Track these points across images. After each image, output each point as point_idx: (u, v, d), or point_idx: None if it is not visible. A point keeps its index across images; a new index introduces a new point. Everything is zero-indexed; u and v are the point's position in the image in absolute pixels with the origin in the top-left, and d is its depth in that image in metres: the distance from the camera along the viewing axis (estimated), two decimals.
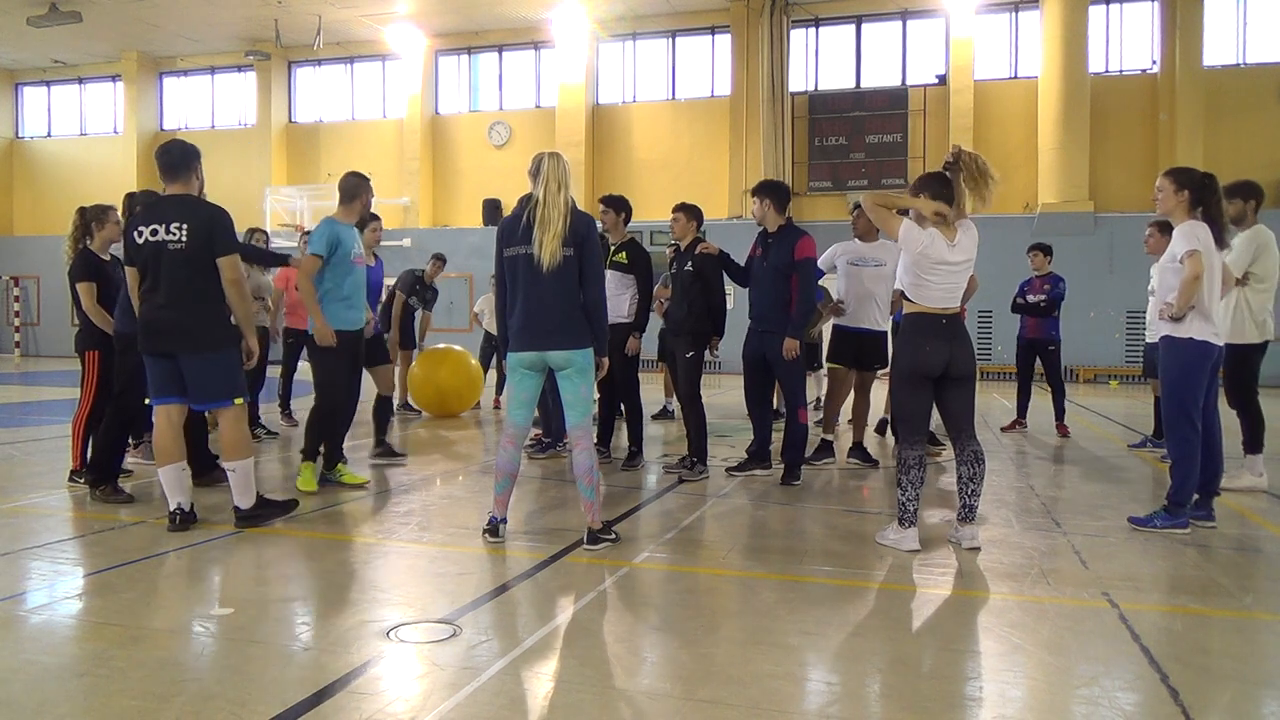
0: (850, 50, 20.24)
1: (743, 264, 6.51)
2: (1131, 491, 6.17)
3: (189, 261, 4.65)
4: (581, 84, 20.92)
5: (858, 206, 7.12)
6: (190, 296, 4.66)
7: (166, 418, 4.80)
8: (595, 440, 7.05)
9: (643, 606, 3.66)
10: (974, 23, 18.99)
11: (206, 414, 7.44)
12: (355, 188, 5.79)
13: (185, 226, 4.63)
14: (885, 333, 7.08)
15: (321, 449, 5.91)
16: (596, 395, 8.03)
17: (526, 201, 4.44)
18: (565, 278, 4.35)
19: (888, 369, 7.31)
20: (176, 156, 4.82)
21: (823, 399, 8.44)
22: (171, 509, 4.72)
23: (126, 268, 4.88)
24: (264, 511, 4.86)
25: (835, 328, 7.14)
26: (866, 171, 19.64)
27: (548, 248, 4.28)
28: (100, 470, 5.50)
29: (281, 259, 6.69)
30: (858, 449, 7.14)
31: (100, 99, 25.52)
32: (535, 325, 4.39)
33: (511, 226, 4.47)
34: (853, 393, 7.39)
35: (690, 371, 6.41)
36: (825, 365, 7.73)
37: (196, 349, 4.67)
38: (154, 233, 4.65)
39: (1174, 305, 4.76)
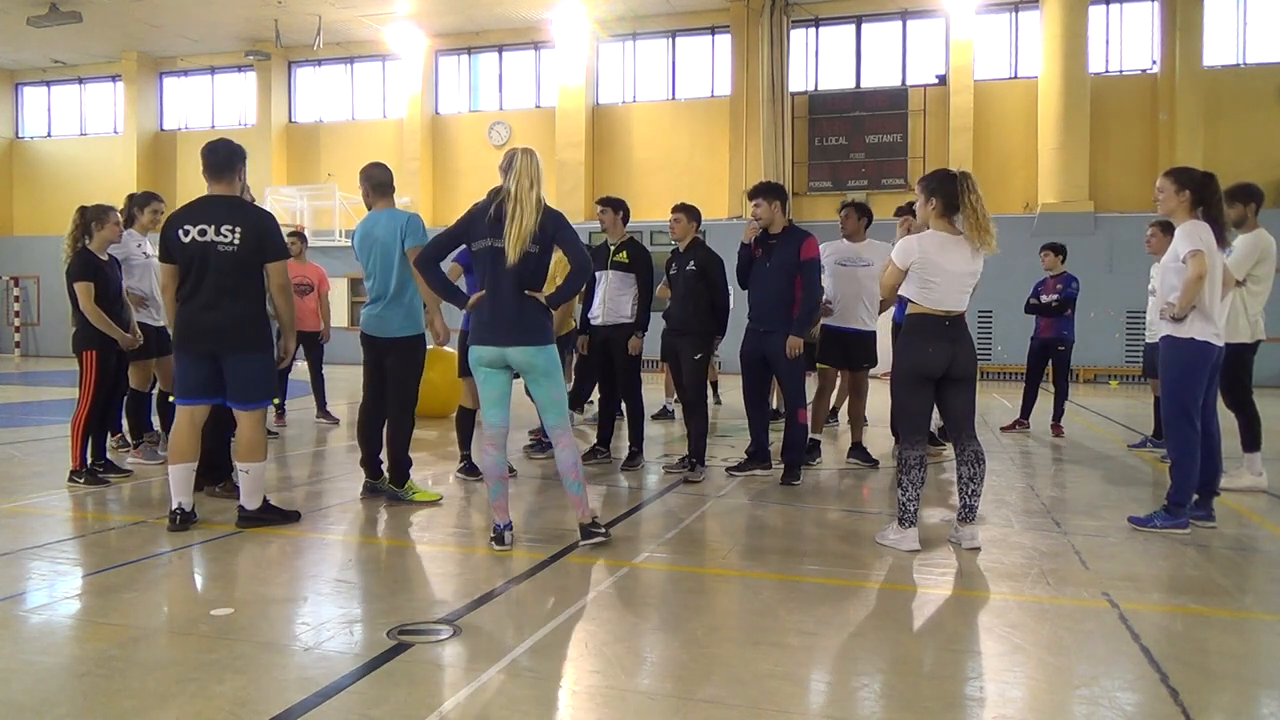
0: (850, 50, 20.24)
1: (735, 264, 6.50)
2: (1131, 491, 6.17)
3: (238, 263, 4.66)
4: (581, 84, 20.92)
5: (844, 206, 7.26)
6: (237, 298, 4.68)
7: (189, 418, 4.80)
8: (596, 440, 7.14)
9: (643, 606, 3.66)
10: (974, 23, 18.99)
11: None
12: (391, 176, 5.57)
13: (238, 229, 4.64)
14: (873, 332, 7.10)
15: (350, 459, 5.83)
16: (594, 397, 8.07)
17: (496, 194, 4.36)
18: (528, 275, 4.30)
19: (876, 368, 7.34)
20: (223, 156, 4.82)
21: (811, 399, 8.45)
22: (172, 508, 4.72)
23: (163, 265, 4.81)
24: (268, 516, 4.86)
25: (823, 327, 7.14)
26: (866, 172, 19.65)
27: (515, 244, 4.21)
28: (217, 469, 5.48)
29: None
30: (857, 449, 7.14)
31: (100, 99, 25.53)
32: (494, 321, 4.32)
33: (478, 219, 4.39)
34: (849, 394, 7.39)
35: (699, 374, 6.41)
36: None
37: (242, 350, 4.69)
38: (202, 232, 4.64)
39: (1176, 305, 4.76)
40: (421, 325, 5.46)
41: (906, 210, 7.52)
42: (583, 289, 6.93)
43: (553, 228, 4.32)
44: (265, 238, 4.73)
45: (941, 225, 4.47)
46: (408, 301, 5.38)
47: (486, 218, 4.34)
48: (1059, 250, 9.21)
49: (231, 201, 4.78)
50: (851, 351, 7.04)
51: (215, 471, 5.47)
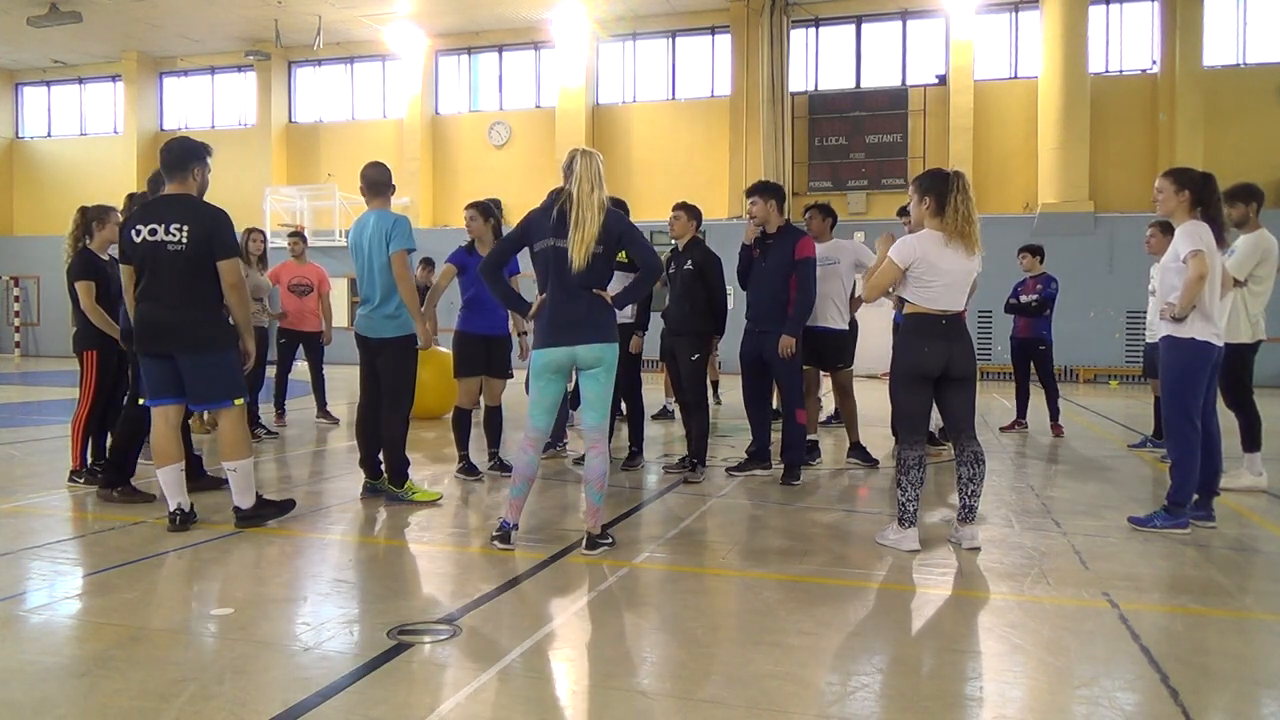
0: (850, 50, 20.25)
1: (735, 269, 6.49)
2: (1131, 491, 6.17)
3: (188, 262, 4.62)
4: (581, 84, 20.93)
5: (809, 209, 7.34)
6: (188, 297, 4.63)
7: (164, 419, 4.79)
8: None
9: (643, 606, 3.66)
10: (974, 23, 19.00)
11: (206, 415, 7.45)
12: (389, 175, 5.56)
13: (186, 228, 4.61)
14: (844, 331, 7.10)
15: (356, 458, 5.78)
16: None
17: (557, 195, 4.38)
18: (594, 276, 4.32)
19: (876, 367, 7.34)
20: (176, 155, 4.79)
21: None
22: (171, 509, 4.72)
23: (122, 266, 4.83)
24: (264, 511, 4.86)
25: None
26: (866, 172, 19.65)
27: (580, 248, 4.23)
28: (117, 470, 5.45)
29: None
30: (856, 449, 7.14)
31: (100, 99, 25.53)
32: (564, 321, 4.32)
33: (540, 221, 4.40)
34: (837, 394, 7.41)
35: (698, 374, 6.40)
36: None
37: (194, 349, 4.64)
38: (152, 232, 4.62)
39: (1176, 305, 4.76)
40: (411, 326, 5.44)
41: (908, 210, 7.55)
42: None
43: (617, 230, 4.35)
44: (214, 236, 4.67)
45: (936, 225, 4.47)
46: (395, 303, 5.37)
47: (550, 219, 4.33)
48: (1037, 252, 9.30)
49: (183, 200, 4.74)
50: (824, 351, 7.02)
51: (116, 472, 5.43)
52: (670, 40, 21.20)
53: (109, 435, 6.60)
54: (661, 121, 21.10)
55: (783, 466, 6.28)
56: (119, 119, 24.94)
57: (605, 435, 4.45)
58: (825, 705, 2.72)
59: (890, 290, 4.69)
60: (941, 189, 4.44)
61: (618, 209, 6.76)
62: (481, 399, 6.61)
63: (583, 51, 20.88)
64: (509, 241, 4.57)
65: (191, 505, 4.82)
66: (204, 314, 4.68)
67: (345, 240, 20.48)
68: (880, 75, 20.06)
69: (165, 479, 4.74)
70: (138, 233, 4.65)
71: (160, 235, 4.61)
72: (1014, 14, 19.31)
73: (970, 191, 4.46)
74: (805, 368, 7.22)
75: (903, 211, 7.33)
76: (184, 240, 4.61)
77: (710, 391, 9.98)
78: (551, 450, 7.27)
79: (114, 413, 6.61)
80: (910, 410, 4.55)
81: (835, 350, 7.08)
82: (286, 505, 4.99)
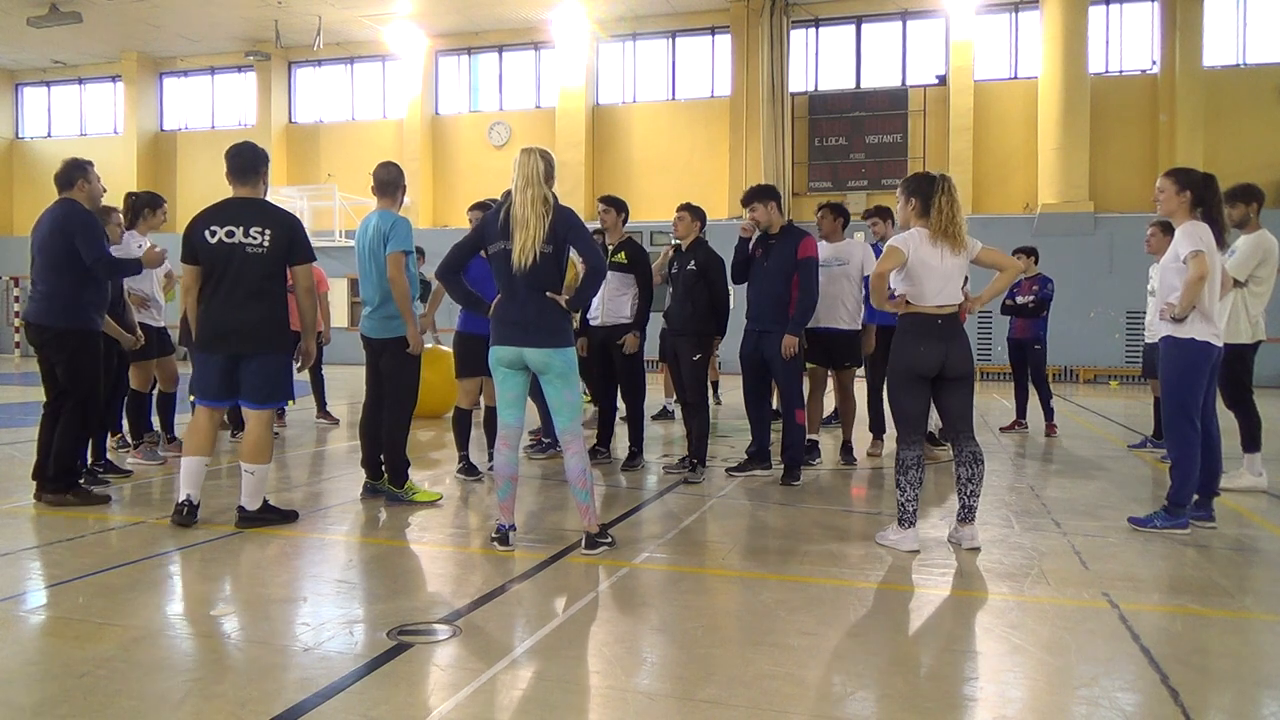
0: (850, 50, 20.27)
1: (730, 263, 6.49)
2: (1131, 491, 6.17)
3: (265, 265, 4.70)
4: (581, 84, 20.94)
5: (822, 208, 7.30)
6: (261, 300, 4.71)
7: (208, 417, 4.87)
8: (596, 441, 7.13)
9: (643, 607, 3.66)
10: (974, 23, 19.02)
11: (226, 415, 7.41)
12: (398, 177, 5.60)
13: (268, 232, 4.68)
14: (856, 331, 7.10)
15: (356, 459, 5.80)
16: (590, 397, 8.07)
17: (507, 196, 4.37)
18: (543, 276, 4.28)
19: (861, 367, 7.38)
20: (247, 160, 4.86)
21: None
22: (180, 500, 4.74)
23: (185, 265, 4.80)
24: (268, 515, 4.87)
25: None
26: (866, 172, 19.66)
27: (523, 248, 4.21)
28: (67, 476, 5.29)
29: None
30: (845, 449, 7.17)
31: (100, 99, 25.55)
32: (512, 321, 4.32)
33: (492, 222, 4.40)
34: (836, 393, 7.43)
35: (699, 374, 6.40)
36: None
37: (267, 349, 4.74)
38: (229, 234, 4.67)
39: (1176, 306, 4.76)
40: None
41: (874, 213, 7.68)
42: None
43: (564, 229, 4.31)
44: (295, 241, 4.79)
45: (921, 224, 4.51)
46: (395, 304, 5.39)
47: (499, 220, 4.34)
48: (1031, 253, 9.28)
49: (260, 204, 4.83)
50: (833, 351, 7.03)
51: (68, 476, 5.31)
52: (670, 40, 21.21)
53: (109, 435, 6.61)
54: (661, 122, 21.11)
55: (783, 466, 6.29)
56: (119, 119, 24.96)
57: (578, 436, 4.42)
58: (825, 705, 2.72)
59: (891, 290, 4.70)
60: (927, 191, 4.50)
61: (617, 208, 6.87)
62: (481, 399, 6.61)
63: (583, 52, 20.89)
64: (464, 245, 4.55)
65: (199, 501, 4.82)
66: (274, 315, 4.79)
67: (345, 240, 20.49)
68: (880, 75, 20.07)
69: (187, 467, 4.77)
70: (213, 233, 4.68)
71: (239, 237, 4.67)
72: (1014, 14, 19.32)
73: (956, 194, 4.51)
74: (813, 367, 7.24)
75: (869, 213, 7.55)
76: (265, 244, 4.68)
77: (710, 391, 9.99)
78: (553, 450, 7.28)
79: (113, 413, 6.60)
80: (908, 410, 4.55)
81: (846, 350, 7.09)
82: (290, 515, 5.00)
